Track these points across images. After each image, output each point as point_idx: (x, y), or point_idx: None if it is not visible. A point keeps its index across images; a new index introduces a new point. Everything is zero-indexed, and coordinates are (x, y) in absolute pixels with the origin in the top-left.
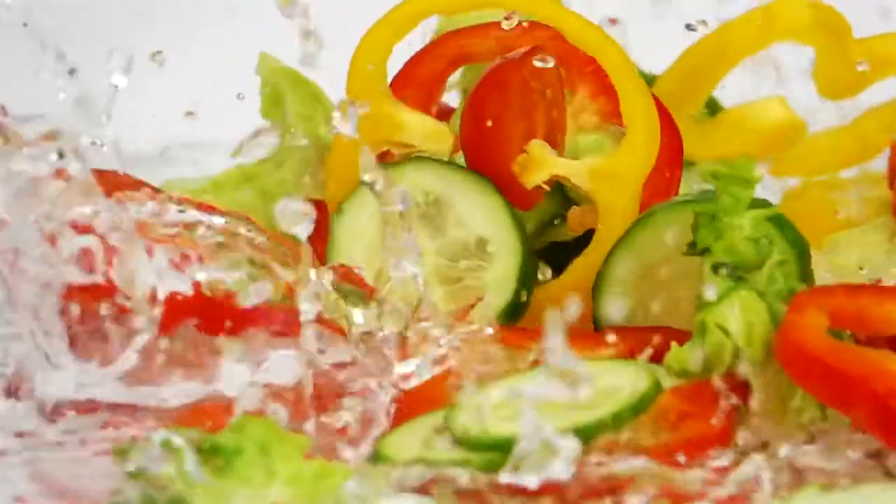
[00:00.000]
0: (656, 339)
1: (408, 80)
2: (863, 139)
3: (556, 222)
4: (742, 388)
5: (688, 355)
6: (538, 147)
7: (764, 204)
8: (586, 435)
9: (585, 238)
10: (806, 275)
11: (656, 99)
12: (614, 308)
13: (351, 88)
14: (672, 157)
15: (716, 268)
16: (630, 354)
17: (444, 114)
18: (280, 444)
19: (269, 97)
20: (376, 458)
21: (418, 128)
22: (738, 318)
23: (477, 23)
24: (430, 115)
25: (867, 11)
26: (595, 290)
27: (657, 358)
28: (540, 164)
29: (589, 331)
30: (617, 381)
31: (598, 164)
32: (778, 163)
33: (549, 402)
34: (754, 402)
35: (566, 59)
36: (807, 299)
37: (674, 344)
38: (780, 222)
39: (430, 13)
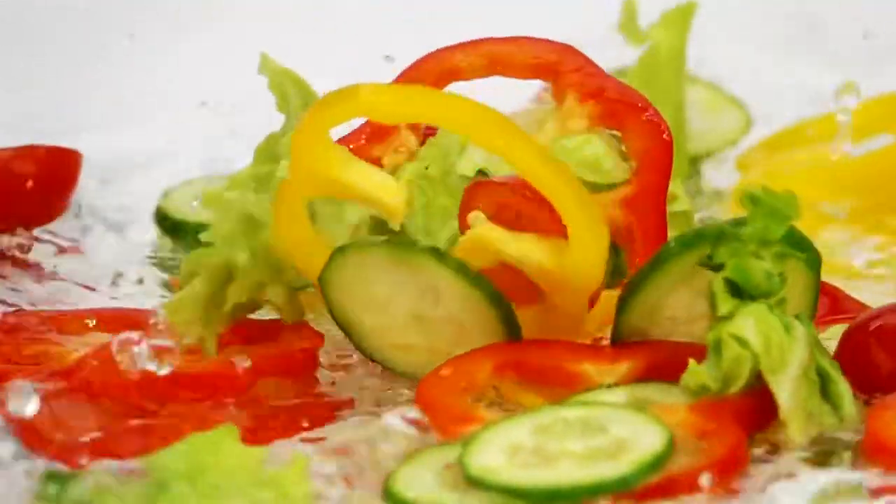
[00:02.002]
0: (672, 354)
1: None
2: None
3: None
4: (765, 403)
5: (705, 373)
6: (484, 229)
7: (800, 242)
8: (601, 491)
9: None
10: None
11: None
12: (635, 327)
13: (295, 161)
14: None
15: (726, 284)
16: (646, 369)
17: (431, 134)
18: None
19: (280, 95)
20: (387, 495)
21: (367, 188)
22: (754, 328)
23: None
24: (418, 132)
25: None
26: (619, 309)
27: (672, 372)
28: (486, 247)
29: (605, 346)
30: (630, 431)
31: (545, 266)
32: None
33: (566, 449)
34: (779, 410)
35: (552, 70)
36: (882, 411)
37: (691, 362)
38: (812, 263)
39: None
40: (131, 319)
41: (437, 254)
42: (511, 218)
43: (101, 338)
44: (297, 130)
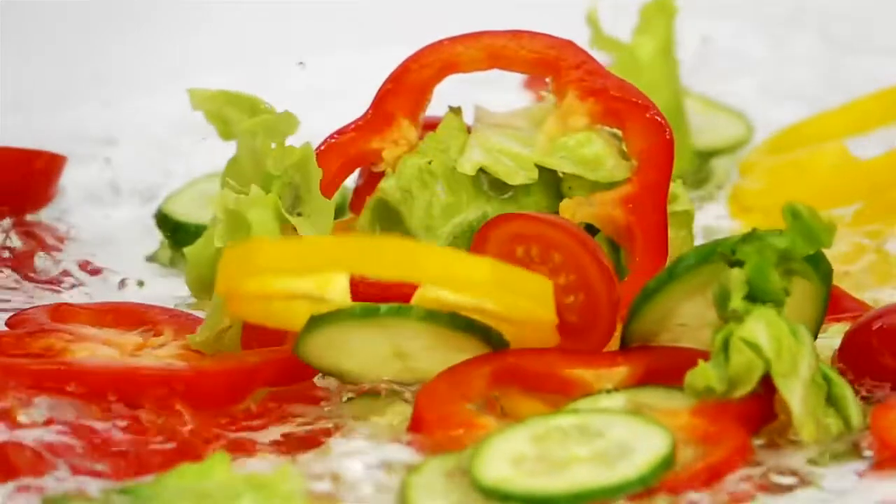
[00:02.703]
0: (671, 359)
1: (396, 88)
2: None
3: None
4: (765, 406)
5: (713, 374)
6: (428, 290)
7: (817, 260)
8: (621, 491)
9: None
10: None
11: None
12: (645, 331)
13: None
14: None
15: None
16: (645, 374)
17: (430, 126)
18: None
19: (219, 123)
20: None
21: (308, 289)
22: (766, 332)
23: None
24: (417, 124)
25: None
26: (630, 314)
27: (670, 377)
28: (440, 303)
29: (602, 351)
30: (627, 433)
31: (497, 313)
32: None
33: (571, 455)
34: (793, 417)
35: (552, 66)
36: (886, 411)
37: (701, 362)
38: (825, 279)
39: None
40: (139, 315)
41: (401, 311)
42: (524, 253)
43: (109, 333)
44: (218, 283)
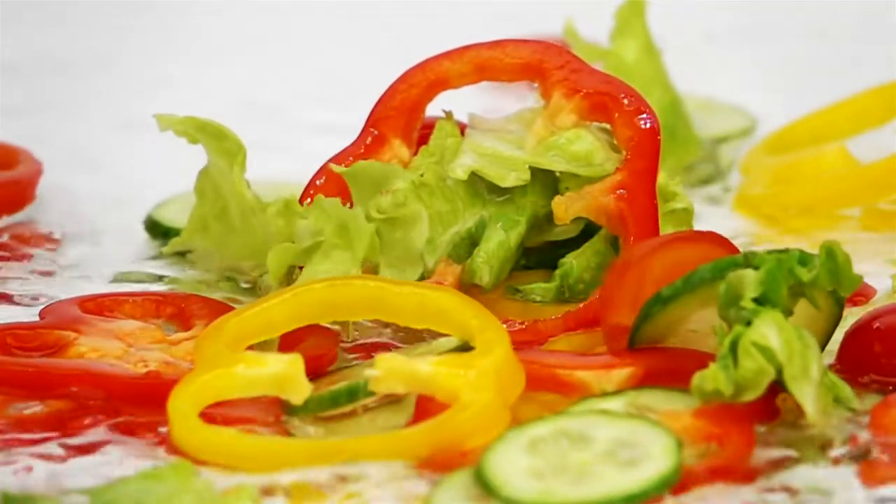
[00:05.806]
0: (672, 361)
1: (386, 111)
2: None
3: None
4: (767, 407)
5: (721, 377)
6: (388, 360)
7: (838, 297)
8: (662, 488)
9: (578, 239)
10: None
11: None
12: (655, 335)
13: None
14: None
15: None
16: (646, 376)
17: (428, 126)
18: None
19: (188, 136)
20: None
21: (265, 382)
22: (778, 336)
23: None
24: (410, 142)
25: None
26: (641, 317)
27: (671, 378)
28: (394, 379)
29: (603, 354)
30: (622, 432)
31: (453, 388)
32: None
33: (581, 459)
34: (808, 418)
35: (537, 70)
36: (886, 409)
37: (711, 364)
38: (840, 309)
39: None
40: (181, 306)
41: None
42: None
43: (131, 326)
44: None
